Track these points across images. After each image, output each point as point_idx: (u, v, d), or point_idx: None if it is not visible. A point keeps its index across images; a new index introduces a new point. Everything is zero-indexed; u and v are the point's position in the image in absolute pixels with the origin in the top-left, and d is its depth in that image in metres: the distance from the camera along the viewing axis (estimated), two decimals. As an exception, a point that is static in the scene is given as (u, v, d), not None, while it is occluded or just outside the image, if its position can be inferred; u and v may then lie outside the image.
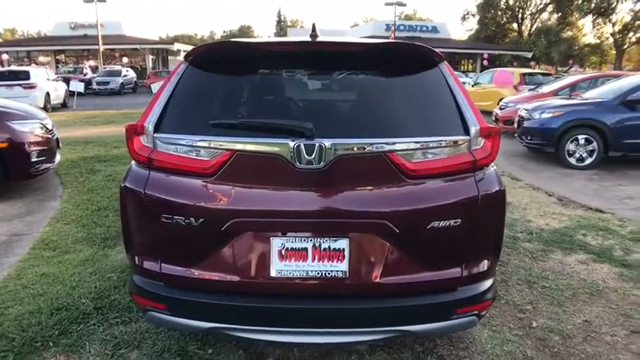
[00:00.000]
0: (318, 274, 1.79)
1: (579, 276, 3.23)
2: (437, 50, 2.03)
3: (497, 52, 40.26)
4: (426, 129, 1.86)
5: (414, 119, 1.91)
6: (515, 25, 49.60)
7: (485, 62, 34.82)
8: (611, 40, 40.92)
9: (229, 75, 2.04)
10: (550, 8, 45.64)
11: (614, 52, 41.19)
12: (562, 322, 2.65)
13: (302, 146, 1.73)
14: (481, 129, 1.87)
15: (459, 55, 42.60)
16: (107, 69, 28.66)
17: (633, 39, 39.60)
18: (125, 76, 26.56)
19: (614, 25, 39.67)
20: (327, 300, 1.84)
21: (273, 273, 1.79)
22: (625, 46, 40.39)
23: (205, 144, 1.81)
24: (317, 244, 1.79)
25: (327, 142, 1.74)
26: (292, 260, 1.79)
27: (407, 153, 1.80)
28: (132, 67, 32.40)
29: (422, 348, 2.36)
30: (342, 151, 1.75)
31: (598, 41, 43.83)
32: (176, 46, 39.74)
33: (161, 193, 1.84)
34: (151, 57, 38.43)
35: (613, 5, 38.07)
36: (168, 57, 39.91)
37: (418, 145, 1.81)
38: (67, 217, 4.30)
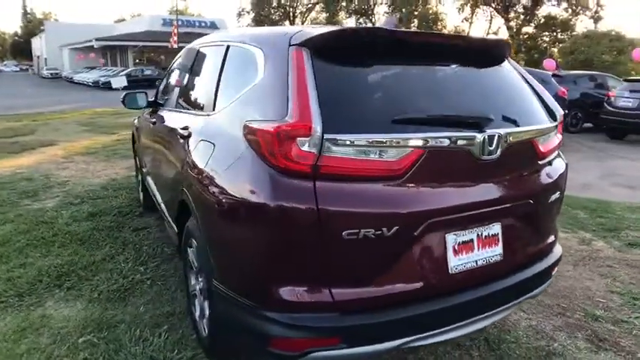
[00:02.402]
0: (483, 261, 1.87)
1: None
2: None
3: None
4: (534, 116, 2.10)
5: (525, 108, 2.12)
6: (287, 23, 53.37)
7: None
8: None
9: (365, 65, 1.82)
10: (319, 8, 50.56)
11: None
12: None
13: (487, 138, 1.76)
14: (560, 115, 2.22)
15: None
16: None
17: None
18: None
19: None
20: (488, 285, 1.93)
21: (450, 270, 1.79)
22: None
23: (393, 142, 1.62)
24: (480, 233, 1.87)
25: (502, 132, 1.82)
26: (464, 254, 1.82)
27: (541, 138, 2.04)
28: None
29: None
30: (510, 139, 1.86)
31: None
32: None
33: (344, 205, 1.58)
34: None
35: (372, 7, 44.60)
36: None
37: (544, 131, 2.07)
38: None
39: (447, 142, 1.71)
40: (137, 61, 40.53)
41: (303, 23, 52.24)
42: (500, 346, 2.50)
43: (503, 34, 38.17)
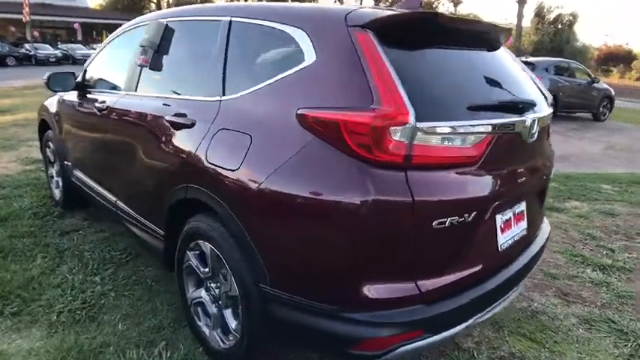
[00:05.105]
0: (517, 237, 1.98)
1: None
2: None
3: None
4: (543, 101, 2.18)
5: (536, 94, 2.17)
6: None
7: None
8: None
9: (427, 51, 1.75)
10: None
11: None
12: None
13: (532, 121, 1.85)
14: None
15: (100, 26, 39.88)
16: None
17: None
18: None
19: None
20: (519, 258, 2.02)
21: (499, 248, 1.85)
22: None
23: (473, 129, 1.62)
24: (515, 211, 1.95)
25: (539, 115, 1.93)
26: (506, 231, 1.90)
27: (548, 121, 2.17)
28: None
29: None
30: (541, 122, 1.97)
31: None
32: None
33: (435, 195, 1.53)
34: None
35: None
36: None
37: (550, 115, 2.20)
38: None
39: (511, 126, 1.77)
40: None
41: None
42: (492, 310, 2.66)
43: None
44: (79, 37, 37.21)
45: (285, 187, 1.57)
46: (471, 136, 1.61)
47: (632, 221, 4.50)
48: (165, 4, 48.11)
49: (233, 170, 1.71)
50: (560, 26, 35.84)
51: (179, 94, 2.22)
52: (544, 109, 2.06)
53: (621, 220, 4.52)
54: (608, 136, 10.38)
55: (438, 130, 1.52)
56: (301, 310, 1.60)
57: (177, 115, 2.06)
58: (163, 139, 2.15)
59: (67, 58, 29.12)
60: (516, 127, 1.80)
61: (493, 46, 2.06)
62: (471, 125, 1.61)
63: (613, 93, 13.11)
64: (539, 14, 36.64)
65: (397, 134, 1.45)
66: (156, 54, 2.40)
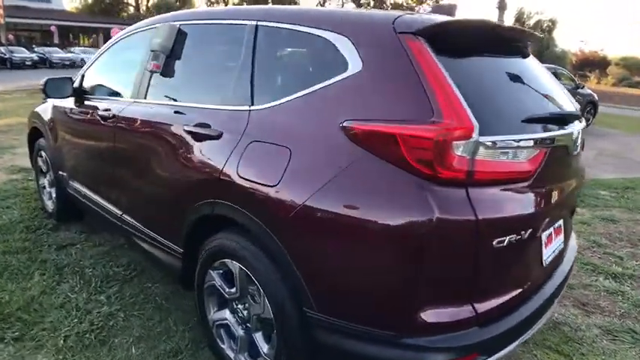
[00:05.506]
0: (557, 250, 1.93)
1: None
2: None
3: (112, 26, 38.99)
4: None
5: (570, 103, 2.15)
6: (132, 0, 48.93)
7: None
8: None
9: (478, 60, 1.68)
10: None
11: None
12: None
13: (577, 132, 1.82)
14: None
15: (77, 29, 39.19)
16: None
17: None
18: None
19: (226, 4, 45.08)
20: (558, 270, 1.97)
21: (544, 263, 1.80)
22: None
23: (530, 143, 1.54)
24: (555, 224, 1.88)
25: (581, 126, 1.90)
26: (549, 245, 1.84)
27: None
28: None
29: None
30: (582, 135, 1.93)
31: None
32: None
33: (497, 212, 1.46)
34: None
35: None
36: None
37: None
38: None
39: (562, 139, 1.72)
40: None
41: (148, 1, 48.23)
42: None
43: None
44: (56, 40, 36.34)
45: (334, 205, 1.46)
46: (528, 149, 1.54)
47: (633, 228, 4.52)
48: (145, 8, 47.59)
49: (271, 186, 1.59)
50: (539, 32, 36.60)
51: (198, 102, 2.08)
52: (581, 120, 2.00)
53: (623, 226, 4.54)
54: (596, 141, 10.53)
55: (500, 144, 1.45)
56: (350, 336, 1.50)
57: (199, 125, 1.93)
58: (182, 150, 2.02)
59: (44, 62, 28.35)
60: (565, 140, 1.74)
61: (525, 55, 2.00)
62: (530, 139, 1.54)
63: (597, 98, 13.35)
64: (519, 20, 37.42)
65: (459, 149, 1.36)
66: (168, 59, 2.26)
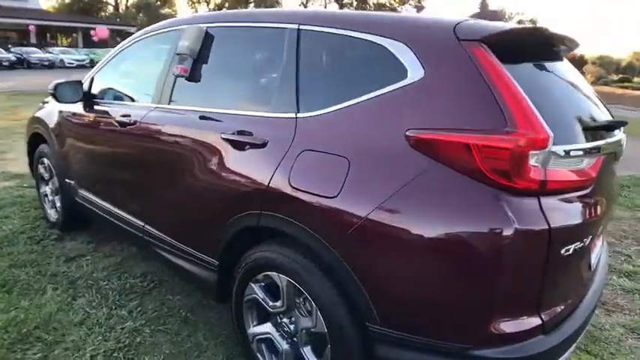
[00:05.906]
0: (599, 254, 1.94)
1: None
2: None
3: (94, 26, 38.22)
4: None
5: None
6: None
7: (95, 38, 32.67)
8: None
9: (535, 67, 1.67)
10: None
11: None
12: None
13: (622, 140, 1.81)
14: None
15: (55, 29, 38.29)
16: None
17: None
18: None
19: (208, 4, 44.61)
20: (600, 274, 1.97)
21: (591, 267, 1.80)
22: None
23: (592, 150, 1.53)
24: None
25: (624, 132, 1.88)
26: (594, 250, 1.83)
27: None
28: None
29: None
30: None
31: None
32: None
33: (567, 221, 1.46)
34: None
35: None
36: None
37: None
38: None
39: (611, 146, 1.70)
40: None
41: (127, 1, 47.42)
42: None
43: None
44: (33, 40, 35.40)
45: (402, 218, 1.41)
46: (590, 157, 1.53)
47: (636, 226, 4.58)
48: (124, 7, 46.79)
49: (330, 197, 1.52)
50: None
51: (233, 108, 1.99)
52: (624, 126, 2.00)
53: (626, 224, 4.59)
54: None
55: (572, 153, 1.43)
56: (413, 348, 1.46)
57: (239, 132, 1.85)
58: (219, 159, 1.93)
59: (21, 62, 27.56)
60: (614, 147, 1.73)
61: (561, 59, 1.97)
62: (594, 147, 1.53)
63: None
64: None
65: (534, 159, 1.33)
66: (195, 63, 2.17)
